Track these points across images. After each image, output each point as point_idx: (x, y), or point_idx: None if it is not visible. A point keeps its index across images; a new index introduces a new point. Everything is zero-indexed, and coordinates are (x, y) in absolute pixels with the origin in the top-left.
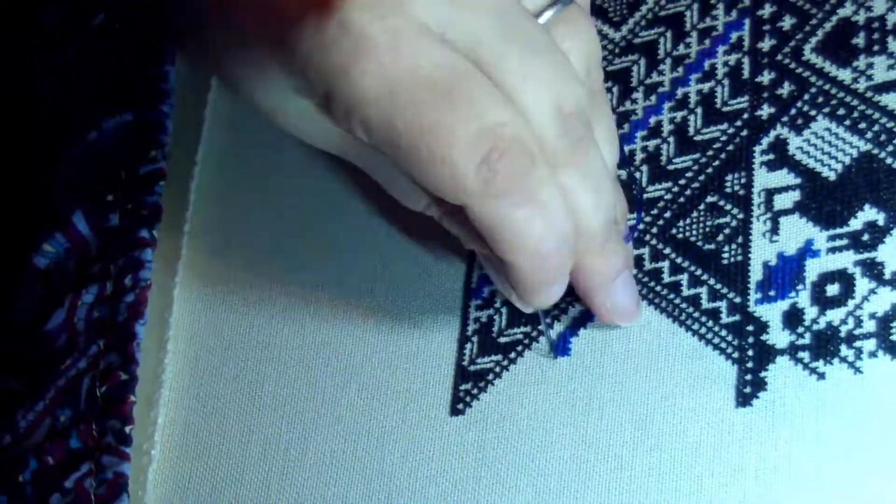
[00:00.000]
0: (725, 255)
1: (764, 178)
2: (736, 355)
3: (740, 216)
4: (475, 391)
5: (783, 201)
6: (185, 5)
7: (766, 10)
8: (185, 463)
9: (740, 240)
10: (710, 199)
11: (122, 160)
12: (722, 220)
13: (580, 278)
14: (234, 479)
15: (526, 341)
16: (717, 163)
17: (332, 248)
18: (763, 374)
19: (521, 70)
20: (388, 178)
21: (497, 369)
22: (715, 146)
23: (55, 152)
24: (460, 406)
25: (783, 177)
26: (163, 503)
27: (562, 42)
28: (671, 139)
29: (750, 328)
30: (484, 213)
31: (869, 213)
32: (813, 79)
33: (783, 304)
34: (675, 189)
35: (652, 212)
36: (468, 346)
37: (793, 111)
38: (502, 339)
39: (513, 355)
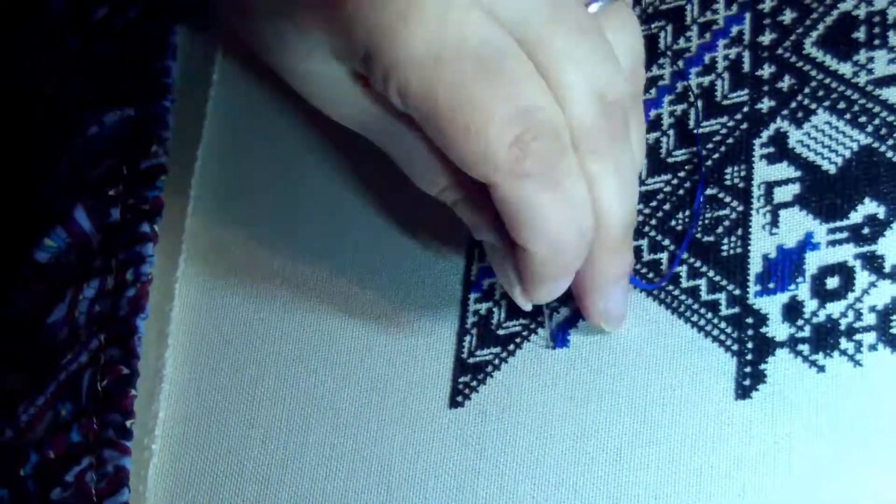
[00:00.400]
0: (725, 248)
1: (764, 171)
2: (735, 347)
3: (740, 209)
4: (474, 383)
5: (783, 194)
6: None
7: (767, 4)
8: (186, 457)
9: (740, 232)
10: (709, 191)
11: (123, 155)
12: (721, 213)
13: (586, 274)
14: (234, 472)
15: (525, 333)
16: (716, 156)
17: (332, 242)
18: (762, 366)
19: (566, 51)
20: (405, 156)
21: (496, 361)
22: (715, 139)
23: (56, 147)
24: (459, 398)
25: (783, 170)
26: (163, 497)
27: (608, 34)
28: (671, 132)
29: (749, 320)
30: (509, 192)
31: (869, 207)
32: (813, 72)
33: (783, 297)
34: (675, 181)
35: (651, 204)
36: (467, 338)
37: (793, 104)
38: (501, 332)
39: (511, 347)
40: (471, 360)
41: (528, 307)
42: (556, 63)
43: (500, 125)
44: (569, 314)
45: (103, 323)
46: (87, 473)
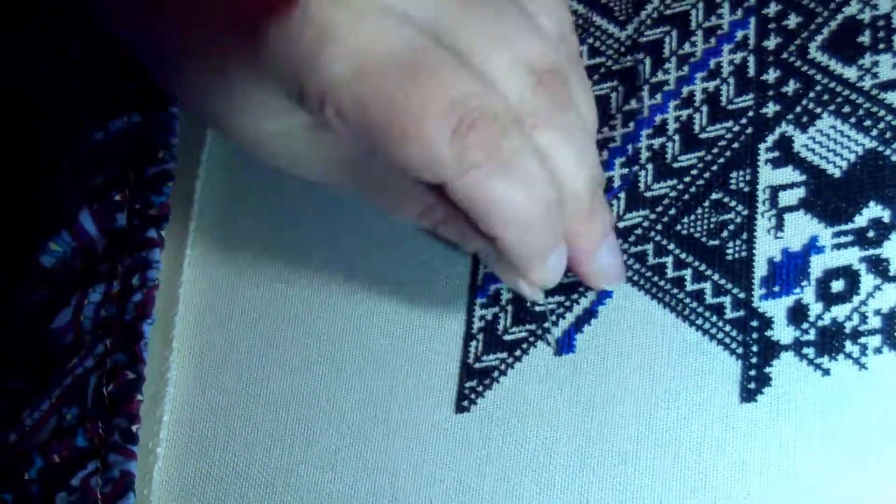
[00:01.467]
0: (730, 251)
1: (769, 176)
2: (740, 351)
3: (745, 213)
4: (480, 389)
5: (788, 198)
6: (152, 47)
7: (772, 9)
8: (191, 461)
9: (745, 236)
10: (714, 195)
11: (130, 161)
12: (727, 217)
13: (569, 243)
14: (239, 476)
15: (531, 339)
16: (722, 160)
17: (337, 247)
18: (767, 369)
19: (485, 34)
20: (378, 192)
21: (502, 367)
22: (720, 144)
23: (62, 151)
24: (465, 403)
25: (788, 174)
26: (169, 501)
27: (529, 4)
28: (676, 137)
29: (754, 324)
30: (463, 188)
31: (874, 210)
32: (818, 77)
33: (788, 300)
34: (680, 186)
35: (657, 209)
36: (473, 343)
37: (798, 109)
38: (507, 337)
39: (518, 353)
40: (477, 366)
41: (539, 297)
42: (478, 48)
43: (433, 122)
44: (574, 319)
45: (109, 328)
46: (93, 478)
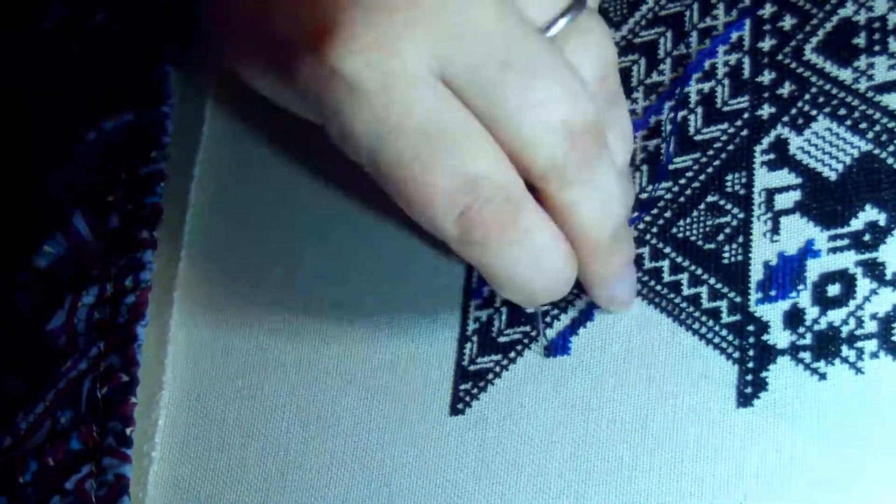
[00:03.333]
0: (726, 255)
1: (765, 178)
2: (737, 355)
3: (741, 216)
4: (475, 391)
5: (784, 201)
6: (195, 19)
7: (767, 10)
8: (186, 464)
9: (741, 239)
10: (710, 198)
11: (122, 161)
12: (722, 220)
13: (585, 277)
14: (234, 480)
15: (525, 341)
16: (717, 162)
17: (332, 249)
18: (764, 374)
19: (522, 96)
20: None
21: (497, 369)
22: (715, 146)
23: (55, 153)
24: (460, 406)
25: (784, 176)
26: None
27: (571, 54)
28: (672, 139)
29: (751, 328)
30: (467, 257)
31: (870, 214)
32: (814, 79)
33: (784, 304)
34: (676, 189)
35: (652, 211)
36: (468, 345)
37: (793, 111)
38: (502, 339)
39: (512, 355)
40: (472, 368)
41: (530, 309)
42: (514, 109)
43: (444, 200)
44: (569, 321)
45: (103, 330)
46: (87, 481)
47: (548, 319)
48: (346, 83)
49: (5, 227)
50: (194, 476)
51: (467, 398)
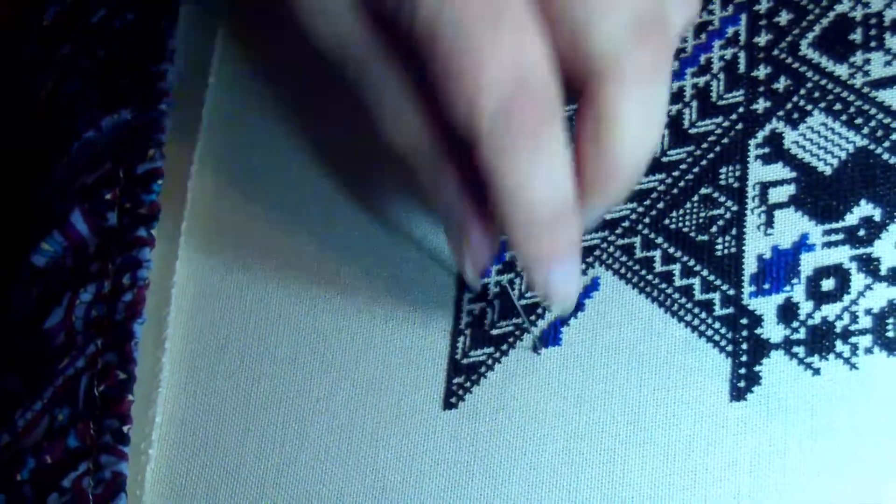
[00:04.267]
0: (719, 247)
1: (759, 172)
2: (730, 348)
3: (734, 208)
4: (468, 384)
5: (778, 195)
6: None
7: (763, 6)
8: (183, 461)
9: (734, 232)
10: (704, 190)
11: (120, 159)
12: (716, 212)
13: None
14: (230, 476)
15: (518, 333)
16: (711, 155)
17: (328, 245)
18: (757, 368)
19: None
20: (382, 97)
21: (489, 362)
22: (710, 139)
23: (53, 151)
24: (453, 400)
25: (778, 170)
26: (161, 502)
27: None
28: (666, 131)
29: (744, 321)
30: (487, 150)
31: (865, 209)
32: (809, 74)
33: (778, 298)
34: (669, 181)
35: (645, 202)
36: (461, 339)
37: (789, 105)
38: (494, 332)
39: (504, 347)
40: (464, 361)
41: (477, 286)
42: None
43: (492, 79)
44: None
45: (100, 328)
46: (84, 479)
47: (532, 318)
48: None
49: (3, 225)
50: (191, 473)
51: (460, 392)
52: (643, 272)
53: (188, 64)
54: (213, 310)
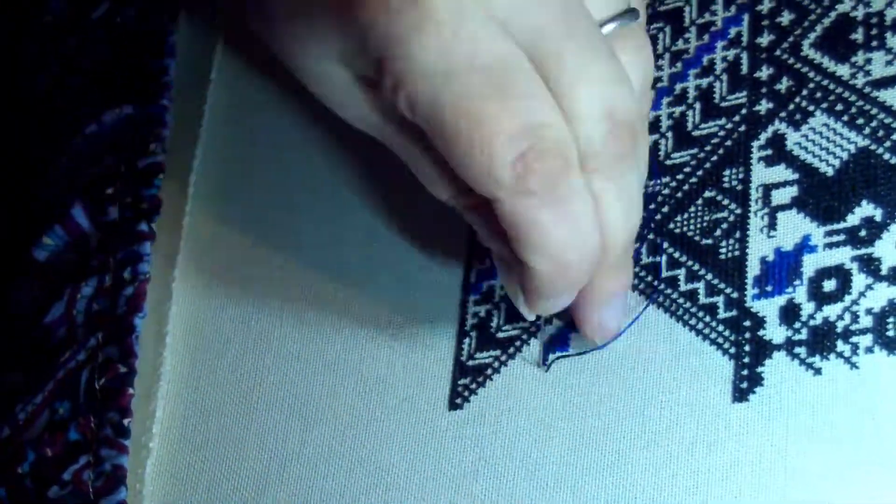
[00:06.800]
0: (723, 251)
1: (762, 174)
2: (733, 350)
3: (738, 211)
4: (473, 386)
5: (781, 196)
6: None
7: (765, 6)
8: (184, 456)
9: (738, 235)
10: (708, 194)
11: (121, 153)
12: (720, 215)
13: (583, 288)
14: (232, 472)
15: (524, 336)
16: (715, 158)
17: (331, 242)
18: (760, 369)
19: (578, 69)
20: (415, 161)
21: (496, 364)
22: (713, 141)
23: (55, 145)
24: (458, 401)
25: (781, 172)
26: (161, 496)
27: (621, 55)
28: (669, 134)
29: (747, 323)
30: (512, 210)
31: (866, 209)
32: (811, 74)
33: (780, 300)
34: (673, 184)
35: (650, 206)
36: (467, 340)
37: (791, 107)
38: (500, 335)
39: (511, 350)
40: (470, 363)
41: (531, 318)
42: (567, 80)
43: (504, 141)
44: (567, 318)
45: (101, 321)
46: (85, 472)
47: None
48: (421, 10)
49: (5, 220)
50: (192, 467)
51: (466, 393)
52: (649, 278)
53: (190, 58)
54: (216, 305)
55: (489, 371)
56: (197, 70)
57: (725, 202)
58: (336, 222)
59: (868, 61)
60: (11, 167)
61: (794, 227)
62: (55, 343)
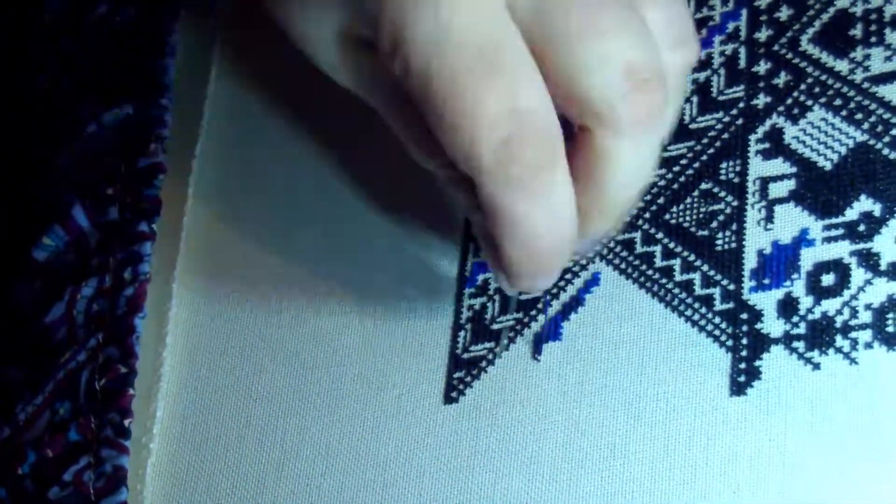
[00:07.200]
0: (719, 242)
1: (759, 167)
2: (730, 343)
3: (735, 203)
4: (468, 379)
5: (778, 190)
6: None
7: (764, 1)
8: (183, 455)
9: (734, 227)
10: (704, 185)
11: (121, 153)
12: (716, 207)
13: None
14: (231, 470)
15: (518, 328)
16: (711, 150)
17: (329, 240)
18: (757, 363)
19: (586, 20)
20: (401, 128)
21: (490, 356)
22: (710, 134)
23: (55, 145)
24: (454, 394)
25: (779, 166)
26: (161, 496)
27: (647, 12)
28: None
29: (744, 316)
30: (489, 193)
31: (865, 204)
32: (810, 69)
33: (778, 293)
34: (669, 176)
35: (645, 197)
36: (462, 333)
37: (789, 101)
38: (495, 326)
39: (505, 342)
40: (465, 356)
41: (513, 293)
42: (574, 36)
43: (489, 123)
44: (560, 307)
45: (101, 322)
46: (85, 472)
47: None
48: None
49: (5, 220)
50: (192, 467)
51: (461, 387)
52: (643, 267)
53: (190, 59)
54: (215, 305)
55: (484, 363)
56: (197, 70)
57: (722, 194)
58: (333, 219)
59: (867, 57)
60: (11, 167)
61: (792, 220)
62: (55, 343)
